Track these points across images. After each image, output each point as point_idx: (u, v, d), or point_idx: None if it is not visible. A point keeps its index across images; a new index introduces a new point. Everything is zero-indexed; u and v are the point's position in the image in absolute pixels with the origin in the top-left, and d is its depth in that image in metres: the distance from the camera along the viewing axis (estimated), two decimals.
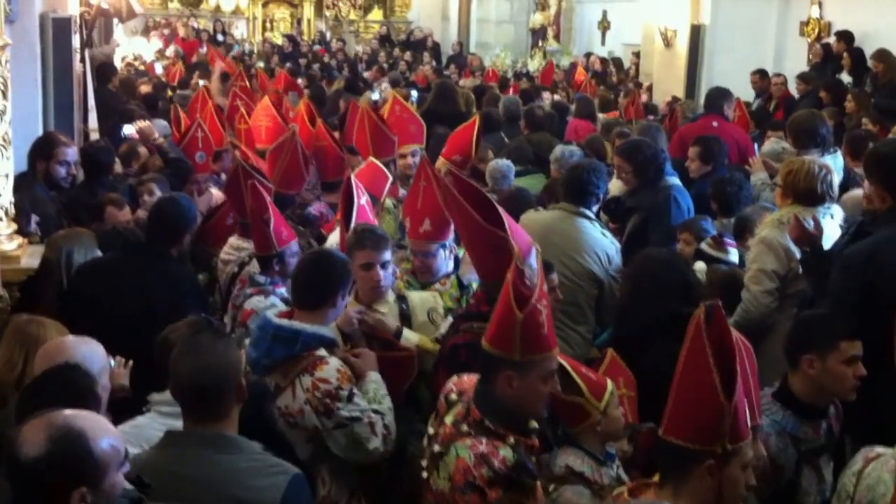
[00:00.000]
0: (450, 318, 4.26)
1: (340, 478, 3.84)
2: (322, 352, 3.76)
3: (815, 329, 3.83)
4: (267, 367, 3.75)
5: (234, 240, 5.65)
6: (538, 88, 13.74)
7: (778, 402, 3.74)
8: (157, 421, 3.36)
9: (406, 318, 4.32)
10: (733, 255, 5.38)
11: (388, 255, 4.28)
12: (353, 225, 4.65)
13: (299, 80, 15.38)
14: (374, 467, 3.91)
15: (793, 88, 11.96)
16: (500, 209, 3.86)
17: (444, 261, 4.64)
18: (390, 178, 6.06)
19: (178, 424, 3.10)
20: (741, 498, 2.75)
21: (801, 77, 11.80)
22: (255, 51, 22.55)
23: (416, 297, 4.41)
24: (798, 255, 4.85)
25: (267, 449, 3.10)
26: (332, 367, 3.71)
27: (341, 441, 3.67)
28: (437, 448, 3.18)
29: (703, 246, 5.47)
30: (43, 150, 6.05)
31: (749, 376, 2.93)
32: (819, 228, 4.70)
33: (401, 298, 4.38)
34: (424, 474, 3.23)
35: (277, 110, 8.62)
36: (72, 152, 6.15)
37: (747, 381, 2.90)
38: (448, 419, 3.22)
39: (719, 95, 8.75)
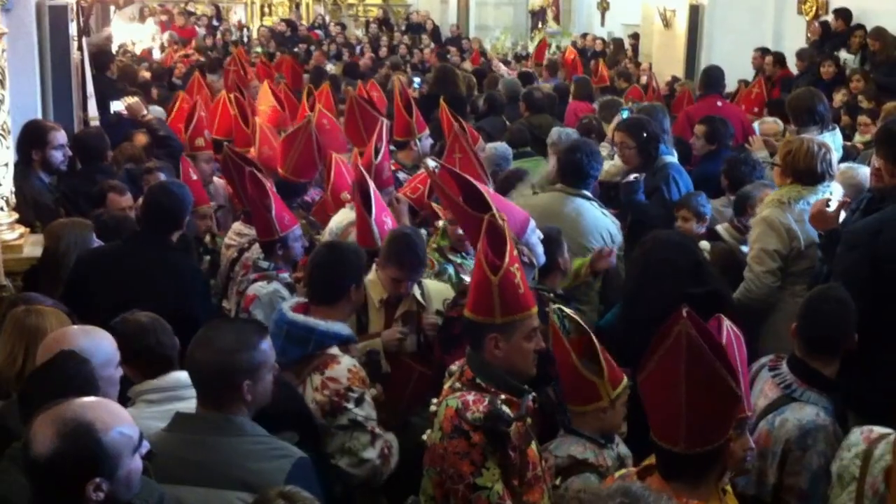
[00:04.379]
0: None
1: None
2: (335, 350, 3.77)
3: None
4: (281, 365, 3.75)
5: (237, 225, 5.69)
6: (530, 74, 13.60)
7: (814, 388, 3.66)
8: (146, 411, 3.36)
9: (421, 306, 4.42)
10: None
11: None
12: (374, 213, 4.71)
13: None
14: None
15: (791, 67, 11.96)
16: (488, 194, 3.92)
17: None
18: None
19: (170, 408, 3.16)
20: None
21: (798, 55, 11.78)
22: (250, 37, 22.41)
23: (433, 287, 4.52)
24: (800, 234, 4.86)
25: (302, 437, 3.17)
26: (343, 367, 3.71)
27: (338, 443, 3.67)
28: (433, 409, 3.30)
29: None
30: (36, 139, 6.02)
31: (740, 367, 2.90)
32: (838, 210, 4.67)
33: (418, 284, 4.46)
34: (424, 437, 3.33)
35: (276, 96, 8.61)
36: (62, 135, 6.15)
37: (737, 372, 2.87)
38: (446, 385, 3.34)
39: (720, 75, 8.79)
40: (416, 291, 4.39)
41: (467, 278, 4.73)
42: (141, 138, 7.81)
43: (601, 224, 5.46)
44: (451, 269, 4.79)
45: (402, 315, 4.36)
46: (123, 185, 6.08)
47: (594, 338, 3.66)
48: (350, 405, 3.64)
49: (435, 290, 4.49)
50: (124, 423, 2.48)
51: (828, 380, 3.70)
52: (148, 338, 3.45)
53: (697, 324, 2.59)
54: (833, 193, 5.01)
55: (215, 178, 7.10)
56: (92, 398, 2.54)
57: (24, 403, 2.83)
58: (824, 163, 4.96)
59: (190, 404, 3.29)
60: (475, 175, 4.58)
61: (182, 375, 3.44)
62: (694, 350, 2.56)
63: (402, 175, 6.40)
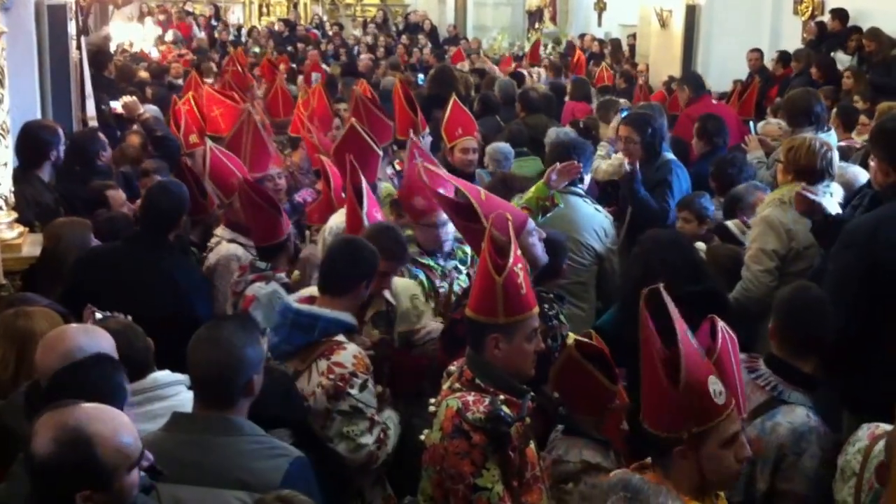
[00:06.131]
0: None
1: None
2: (341, 337, 3.81)
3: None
4: (287, 353, 3.81)
5: (219, 230, 5.68)
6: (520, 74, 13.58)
7: (799, 388, 3.62)
8: (130, 413, 3.32)
9: (391, 304, 4.42)
10: None
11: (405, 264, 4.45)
12: (365, 208, 4.72)
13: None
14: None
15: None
16: (477, 200, 3.94)
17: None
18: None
19: (152, 408, 3.21)
20: (733, 473, 2.72)
21: (795, 55, 11.81)
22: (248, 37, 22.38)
23: (401, 284, 4.52)
24: (799, 234, 4.85)
25: (295, 436, 3.20)
26: (348, 353, 3.75)
27: (337, 427, 3.71)
28: (432, 409, 3.30)
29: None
30: (49, 140, 6.01)
31: (735, 369, 2.88)
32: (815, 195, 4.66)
33: None
34: (422, 437, 3.34)
35: (225, 94, 8.54)
36: (61, 131, 6.20)
37: (732, 374, 2.83)
38: (445, 386, 3.35)
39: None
40: (385, 291, 4.39)
41: (438, 282, 4.78)
42: (134, 139, 7.81)
43: (596, 220, 5.51)
44: (422, 275, 4.80)
45: (372, 317, 4.35)
46: (115, 183, 6.09)
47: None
48: (354, 391, 3.68)
49: (402, 287, 4.50)
50: (125, 437, 2.46)
51: (811, 378, 3.67)
52: (121, 345, 3.37)
53: (657, 299, 2.75)
54: (833, 195, 5.02)
55: None
56: (98, 406, 2.50)
57: (47, 398, 2.77)
58: (825, 161, 4.94)
59: (171, 402, 3.33)
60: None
61: (159, 375, 3.46)
62: (643, 323, 2.71)
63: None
